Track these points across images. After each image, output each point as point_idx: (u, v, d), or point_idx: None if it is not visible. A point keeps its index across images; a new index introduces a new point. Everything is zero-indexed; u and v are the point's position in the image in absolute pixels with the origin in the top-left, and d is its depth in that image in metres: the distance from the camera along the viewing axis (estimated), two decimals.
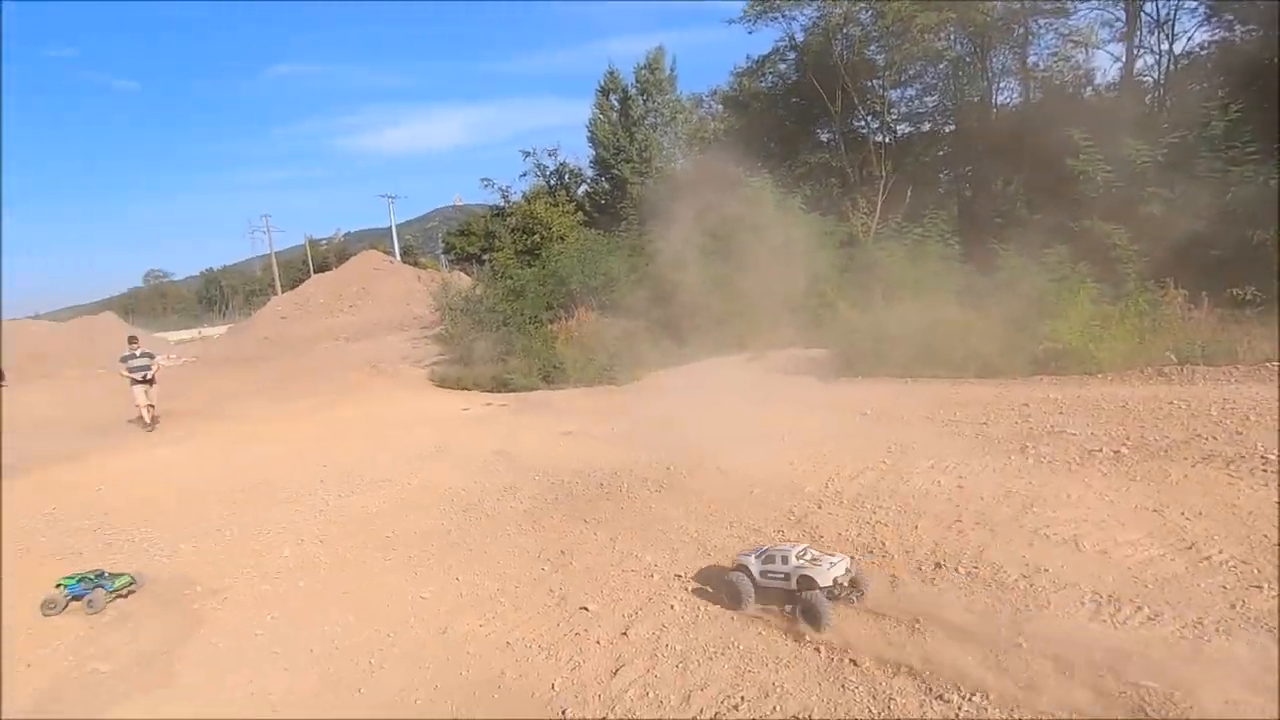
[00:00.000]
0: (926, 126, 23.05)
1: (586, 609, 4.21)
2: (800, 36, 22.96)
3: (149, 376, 11.78)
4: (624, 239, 20.50)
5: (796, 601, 3.74)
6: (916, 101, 22.74)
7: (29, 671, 4.04)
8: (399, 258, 52.30)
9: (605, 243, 19.90)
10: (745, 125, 22.58)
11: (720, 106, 30.82)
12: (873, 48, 21.39)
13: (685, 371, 13.87)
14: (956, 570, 4.11)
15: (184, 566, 5.55)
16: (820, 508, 5.38)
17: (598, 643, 3.85)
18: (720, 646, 3.66)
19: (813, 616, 3.63)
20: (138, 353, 11.99)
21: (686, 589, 4.31)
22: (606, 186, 31.53)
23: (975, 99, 20.13)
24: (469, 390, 14.60)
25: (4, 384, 23.63)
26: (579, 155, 34.13)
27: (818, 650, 3.53)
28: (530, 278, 20.01)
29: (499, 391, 13.94)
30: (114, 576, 4.98)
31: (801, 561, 3.83)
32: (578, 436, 8.93)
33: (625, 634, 3.89)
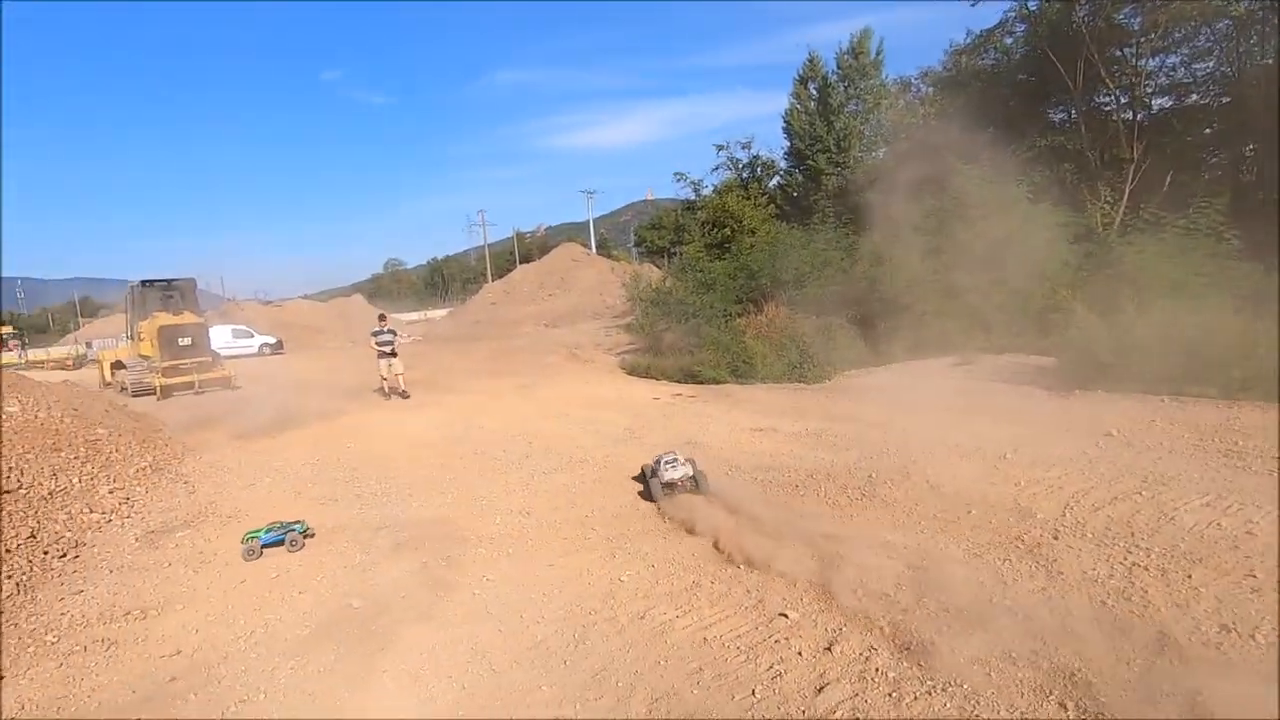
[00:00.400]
0: (1193, 99, 19.44)
1: (786, 616, 4.04)
2: (1034, 4, 20.49)
3: (392, 350, 13.45)
4: (818, 232, 19.71)
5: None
6: (1182, 70, 19.23)
7: (301, 598, 4.75)
8: (595, 250, 55.01)
9: (798, 236, 19.25)
10: (961, 107, 20.56)
11: (931, 89, 28.42)
12: (1126, 10, 18.43)
13: (883, 373, 13.03)
14: (1253, 639, 3.35)
15: (416, 522, 6.21)
16: (1057, 538, 4.70)
17: (799, 654, 3.67)
18: (941, 682, 3.31)
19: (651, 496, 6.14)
20: (385, 329, 13.70)
21: (902, 610, 3.97)
22: (800, 178, 30.56)
23: (1268, 61, 16.55)
24: (657, 380, 14.91)
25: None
26: (772, 147, 33.47)
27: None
28: (720, 271, 19.96)
29: (686, 383, 14.06)
30: (294, 524, 5.81)
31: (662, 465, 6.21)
32: (768, 433, 8.71)
33: (829, 649, 3.66)
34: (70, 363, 36.61)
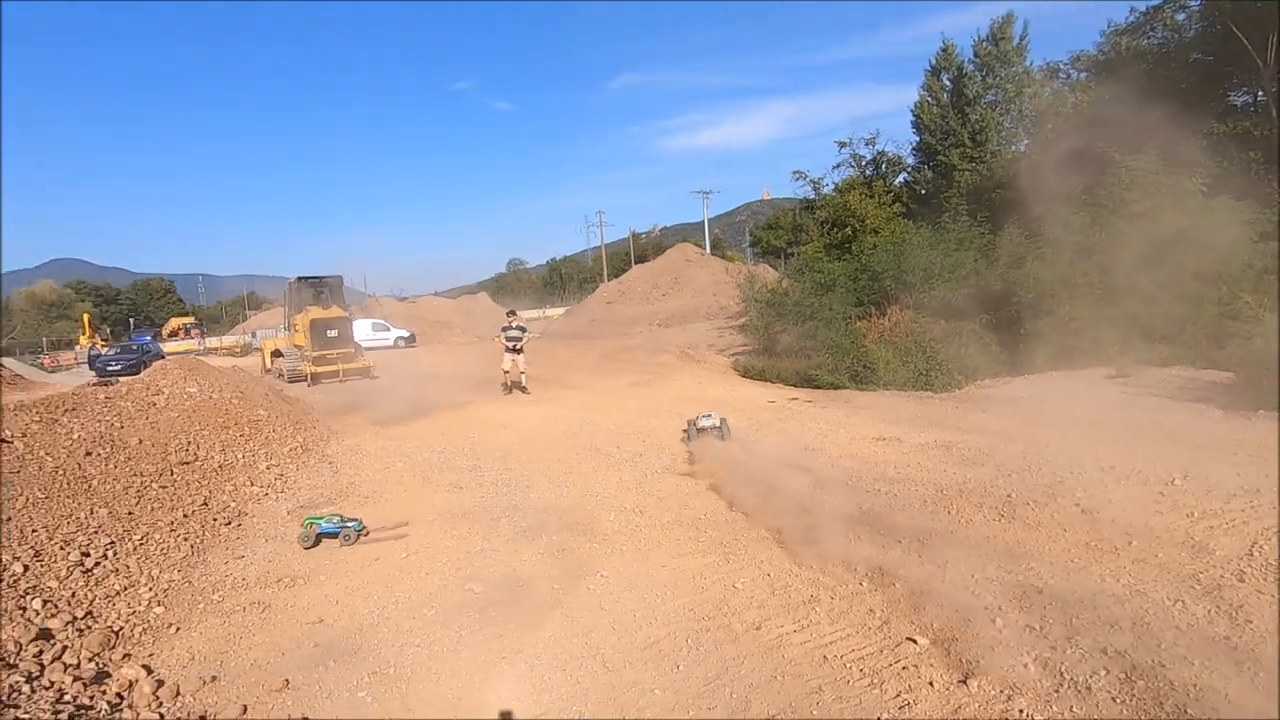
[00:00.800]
0: None
1: (914, 641, 3.77)
2: None
3: (518, 347, 13.96)
4: (948, 231, 18.52)
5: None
6: None
7: (428, 579, 5.00)
8: (709, 251, 54.77)
9: (925, 236, 18.19)
10: (1121, 93, 18.62)
11: (1084, 74, 25.97)
12: None
13: (1022, 384, 12.03)
14: None
15: (534, 512, 6.39)
16: (1243, 580, 4.09)
17: (930, 684, 3.40)
18: None
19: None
20: (514, 325, 14.24)
21: (1050, 647, 3.59)
22: (929, 174, 28.92)
23: None
24: (771, 383, 14.60)
25: None
26: (899, 143, 31.80)
27: None
28: (840, 272, 19.25)
29: (802, 387, 13.66)
30: (352, 521, 5.88)
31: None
32: (892, 443, 8.25)
33: (964, 683, 3.37)
34: (239, 350, 41.15)
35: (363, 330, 30.80)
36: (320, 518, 5.92)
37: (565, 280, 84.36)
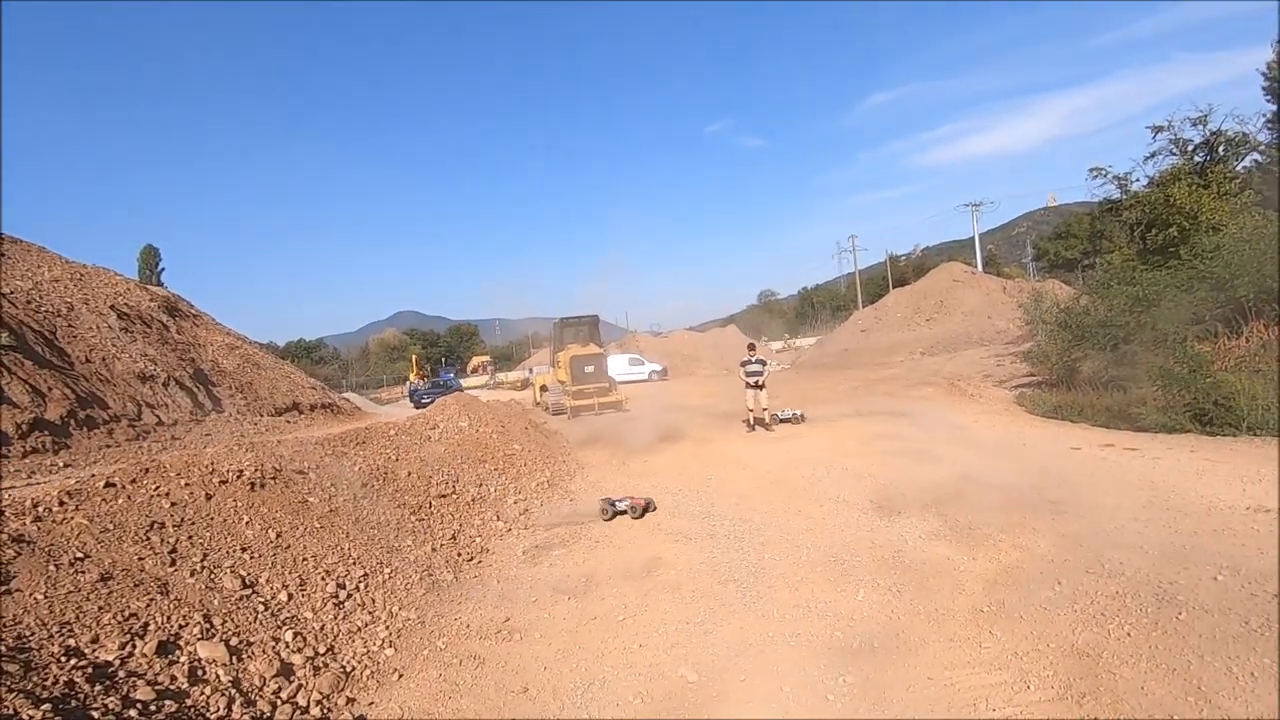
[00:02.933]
0: None
1: None
2: None
3: (760, 382, 13.28)
4: None
5: None
6: None
7: (641, 653, 4.45)
8: (981, 268, 48.77)
9: None
10: None
11: None
12: None
13: None
14: None
15: (766, 580, 5.55)
16: None
17: None
18: None
19: None
20: (753, 359, 13.63)
21: None
22: None
23: None
24: (1071, 422, 11.85)
25: None
26: (1240, 117, 24.86)
27: None
28: (1167, 282, 15.29)
29: (1115, 427, 10.82)
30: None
31: None
32: None
33: None
34: (519, 384, 46.50)
35: (619, 365, 32.67)
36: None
37: (816, 309, 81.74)
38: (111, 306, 16.42)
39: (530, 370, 47.99)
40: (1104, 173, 28.83)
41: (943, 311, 37.42)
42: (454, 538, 6.96)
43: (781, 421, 7.19)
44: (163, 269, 43.20)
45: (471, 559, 6.58)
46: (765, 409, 13.35)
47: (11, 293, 14.00)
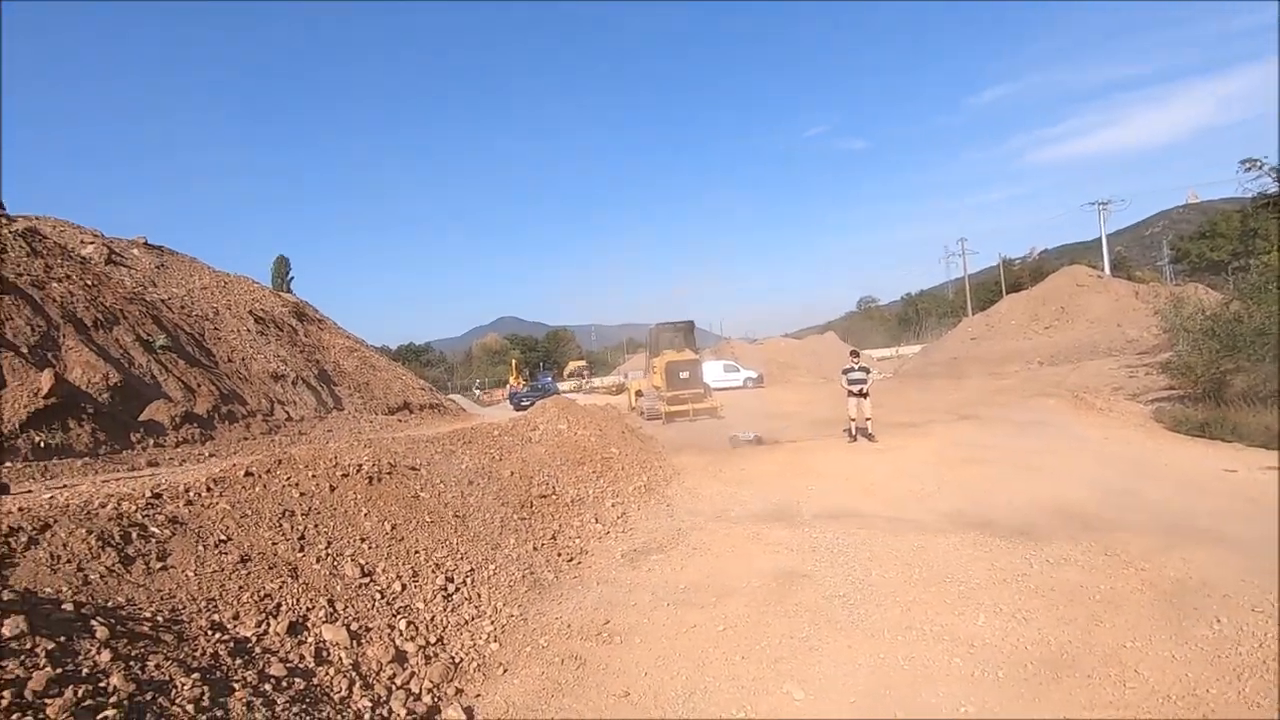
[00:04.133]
0: None
1: None
2: None
3: (863, 390, 12.79)
4: None
5: None
6: None
7: (743, 664, 4.35)
8: (1109, 271, 44.95)
9: None
10: None
11: None
12: None
13: None
14: None
15: (872, 605, 5.29)
16: None
17: None
18: None
19: None
20: (855, 366, 13.16)
21: None
22: None
23: None
24: (1224, 441, 10.65)
25: None
26: None
27: None
28: None
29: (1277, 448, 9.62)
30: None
31: None
32: None
33: None
34: (614, 389, 47.12)
35: (714, 371, 32.40)
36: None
37: (921, 316, 78.01)
38: (250, 311, 17.97)
39: (625, 375, 48.54)
40: (1259, 165, 25.91)
41: (1064, 319, 34.72)
42: (554, 538, 7.09)
43: (744, 443, 6.69)
44: (292, 277, 47.00)
45: (571, 559, 6.67)
46: (869, 418, 12.83)
47: (169, 299, 15.60)
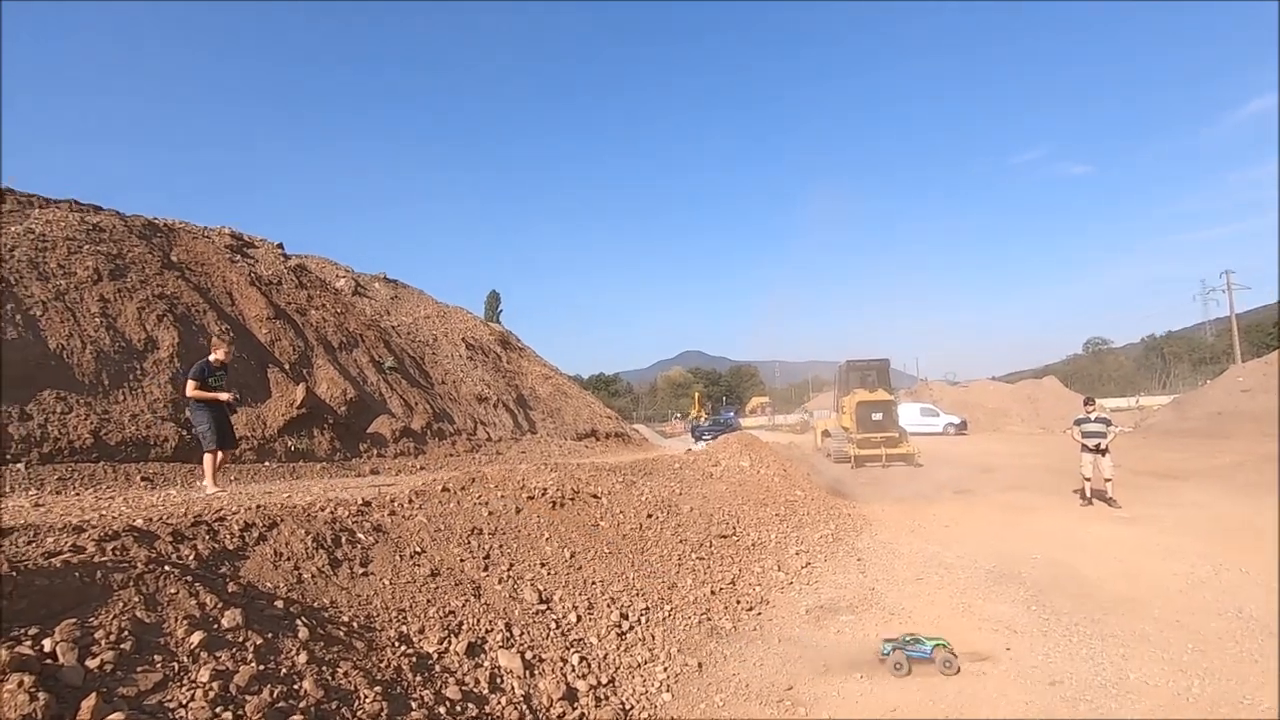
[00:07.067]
0: None
1: None
2: None
3: (1102, 445, 10.87)
4: None
5: None
6: None
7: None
8: None
9: None
10: None
11: None
12: None
13: None
14: None
15: (1118, 686, 4.21)
16: None
17: None
18: None
19: None
20: (1092, 416, 11.28)
21: None
22: None
23: None
24: None
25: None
26: None
27: None
28: None
29: None
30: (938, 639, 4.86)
31: None
32: None
33: None
34: (798, 428, 45.44)
35: (911, 415, 29.87)
36: (900, 641, 4.92)
37: (1169, 361, 66.30)
38: (462, 339, 19.81)
39: (810, 414, 46.67)
40: None
41: None
42: (733, 582, 6.66)
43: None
44: (501, 310, 51.72)
45: (750, 608, 6.19)
46: (1108, 479, 10.83)
47: (398, 325, 17.65)
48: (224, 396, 6.79)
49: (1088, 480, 10.93)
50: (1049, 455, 18.66)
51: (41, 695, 2.04)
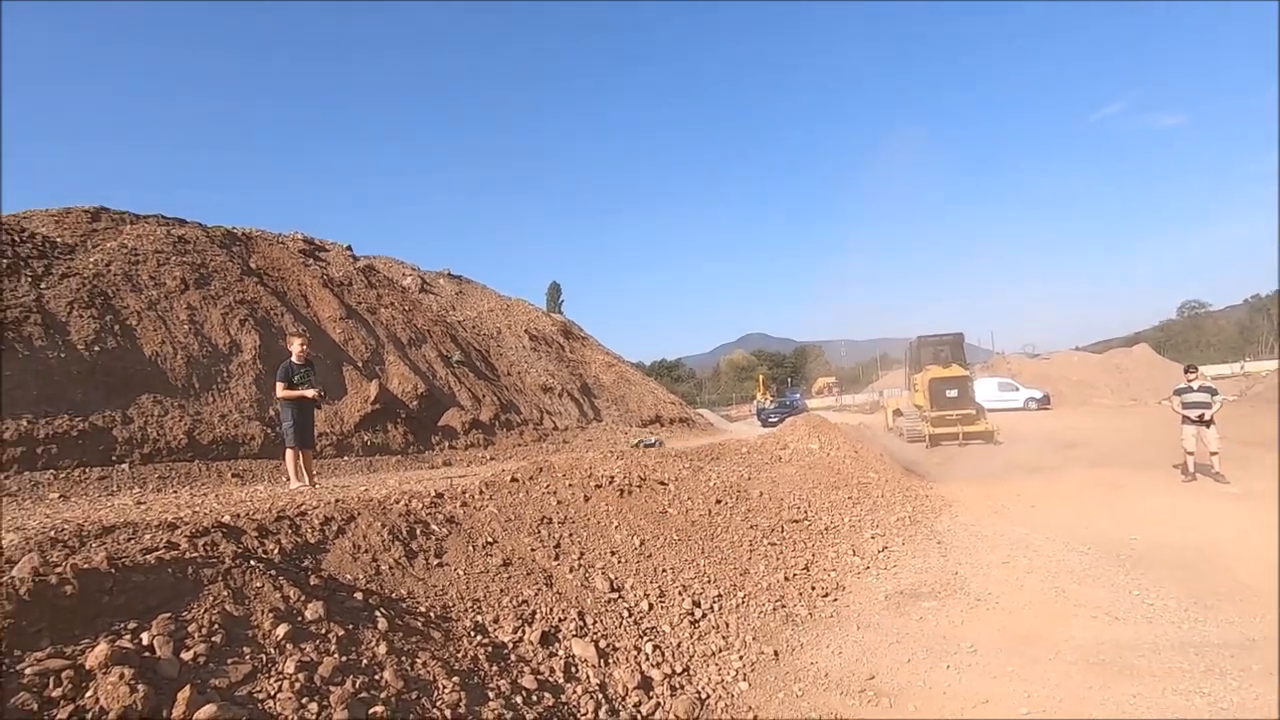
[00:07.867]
0: None
1: None
2: None
3: (1205, 416, 10.08)
4: None
5: None
6: None
7: None
8: None
9: None
10: None
11: None
12: None
13: None
14: None
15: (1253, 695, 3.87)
16: None
17: None
18: None
19: None
20: (1194, 385, 10.47)
21: None
22: None
23: None
24: None
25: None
26: None
27: None
28: None
29: None
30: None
31: None
32: None
33: None
34: (867, 407, 44.24)
35: (987, 390, 28.58)
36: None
37: (1277, 324, 61.13)
38: (526, 330, 20.09)
39: (881, 393, 45.33)
40: None
41: None
42: (807, 568, 6.50)
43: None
44: (563, 300, 52.31)
45: (826, 595, 6.02)
46: (1215, 453, 10.04)
47: (463, 320, 18.04)
48: (309, 394, 7.06)
49: (1190, 454, 10.17)
50: (1142, 429, 17.52)
51: (140, 687, 2.13)
